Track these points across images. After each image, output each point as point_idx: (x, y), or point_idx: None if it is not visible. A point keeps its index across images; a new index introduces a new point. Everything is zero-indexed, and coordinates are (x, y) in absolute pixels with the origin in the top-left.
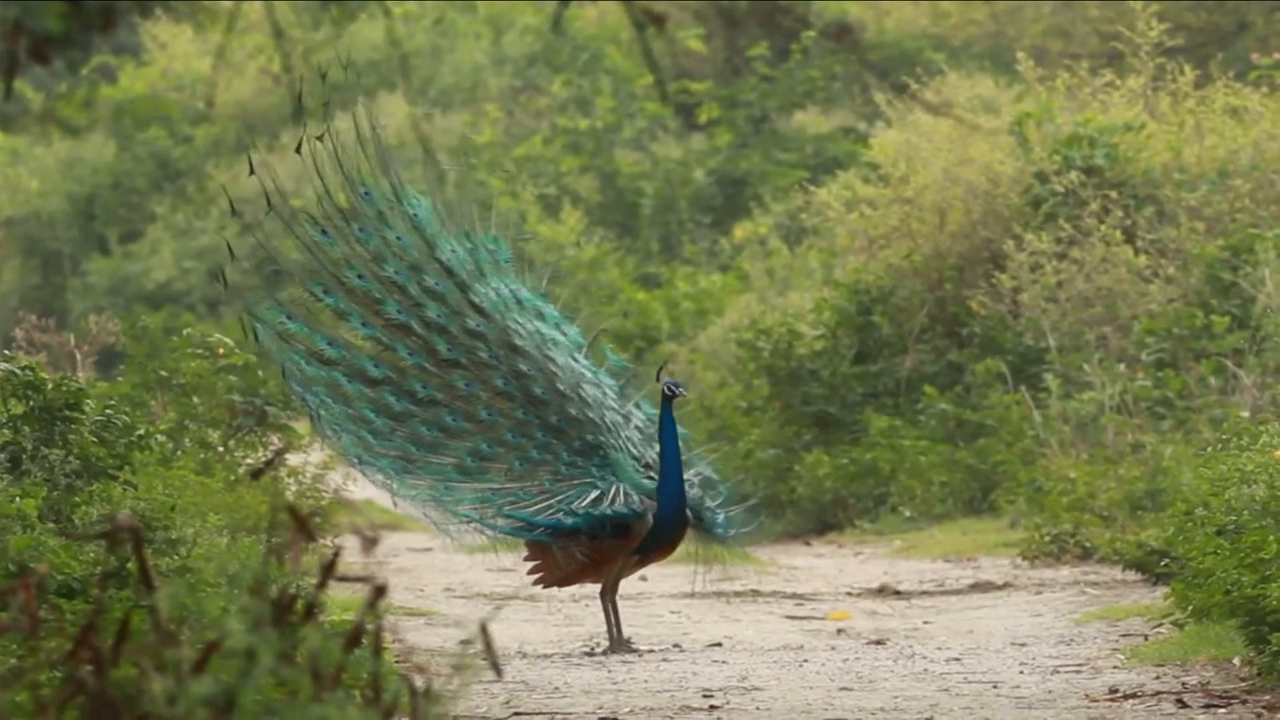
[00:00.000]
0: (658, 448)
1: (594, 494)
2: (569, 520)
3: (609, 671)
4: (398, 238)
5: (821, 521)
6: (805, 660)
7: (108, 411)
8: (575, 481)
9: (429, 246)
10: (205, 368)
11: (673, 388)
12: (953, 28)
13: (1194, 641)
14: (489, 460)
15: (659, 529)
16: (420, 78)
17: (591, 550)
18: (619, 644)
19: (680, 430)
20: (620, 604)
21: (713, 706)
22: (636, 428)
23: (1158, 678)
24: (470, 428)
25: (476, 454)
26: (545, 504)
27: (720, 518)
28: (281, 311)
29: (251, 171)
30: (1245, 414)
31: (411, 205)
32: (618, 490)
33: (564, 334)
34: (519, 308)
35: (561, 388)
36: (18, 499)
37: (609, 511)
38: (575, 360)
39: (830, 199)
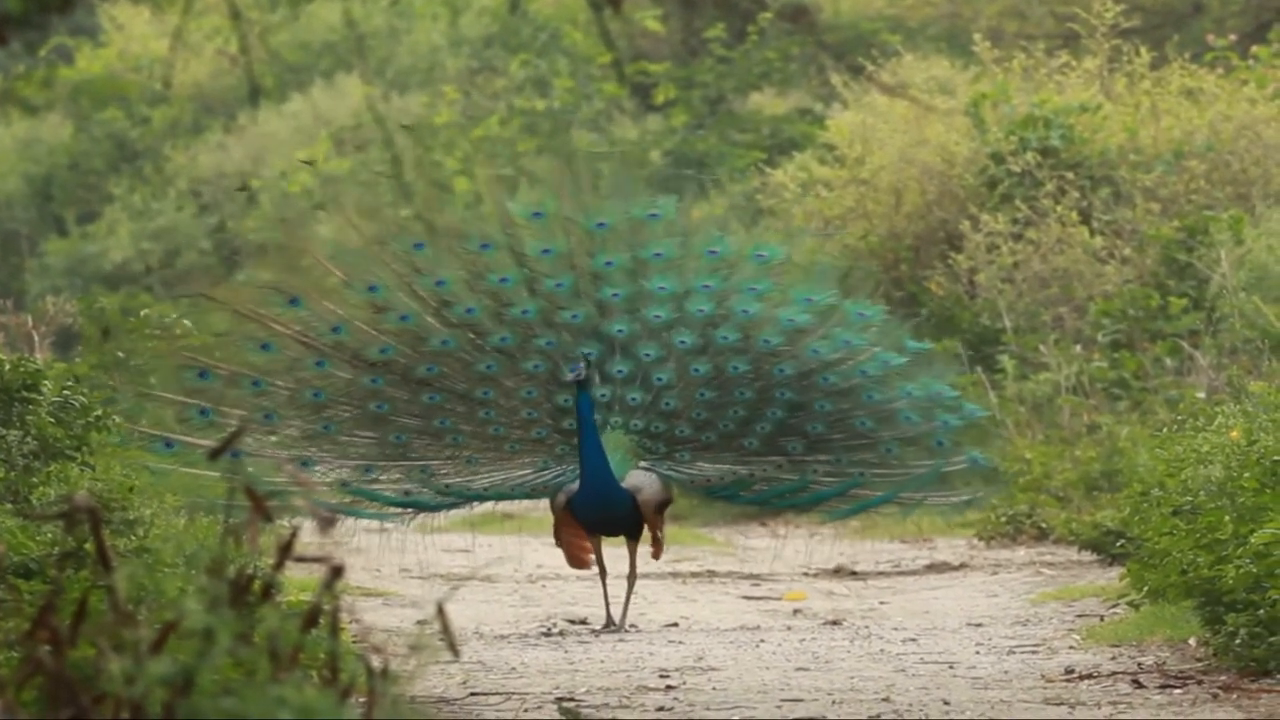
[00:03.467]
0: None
1: (524, 471)
2: (469, 495)
3: (565, 652)
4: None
5: None
6: (762, 641)
7: (65, 392)
8: (526, 459)
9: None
10: (162, 348)
11: (573, 371)
12: (909, 9)
13: (1150, 622)
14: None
15: (584, 509)
16: (377, 59)
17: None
18: (612, 623)
19: None
20: (582, 584)
21: (669, 686)
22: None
23: (1113, 658)
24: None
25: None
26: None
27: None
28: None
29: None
30: (1201, 395)
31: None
32: (555, 470)
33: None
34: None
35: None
36: None
37: (507, 490)
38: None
39: (786, 180)
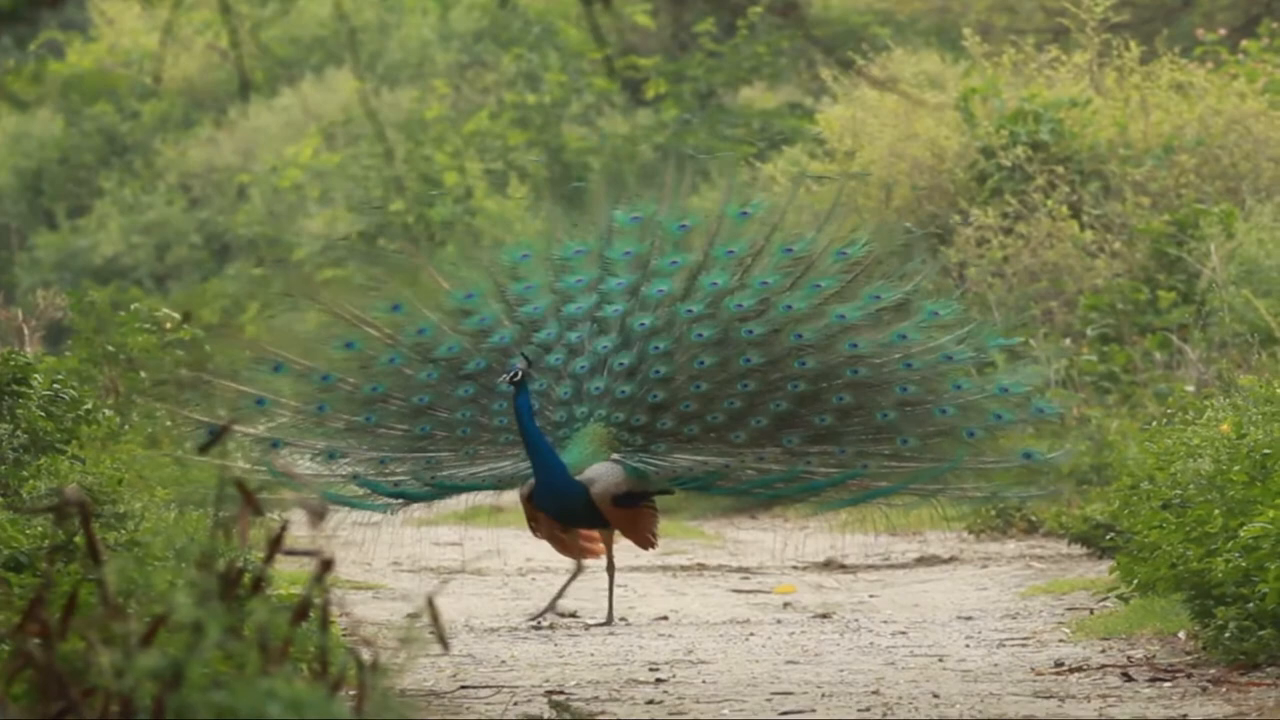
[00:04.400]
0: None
1: (486, 466)
2: (422, 489)
3: (555, 645)
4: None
5: None
6: (751, 634)
7: (55, 386)
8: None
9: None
10: (152, 342)
11: (509, 372)
12: (899, 3)
13: (1139, 615)
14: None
15: (541, 501)
16: (368, 53)
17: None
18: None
19: None
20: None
21: (659, 680)
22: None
23: (1103, 651)
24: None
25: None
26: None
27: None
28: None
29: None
30: (1190, 388)
31: None
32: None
33: None
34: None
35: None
36: None
37: (459, 482)
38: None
39: (776, 174)
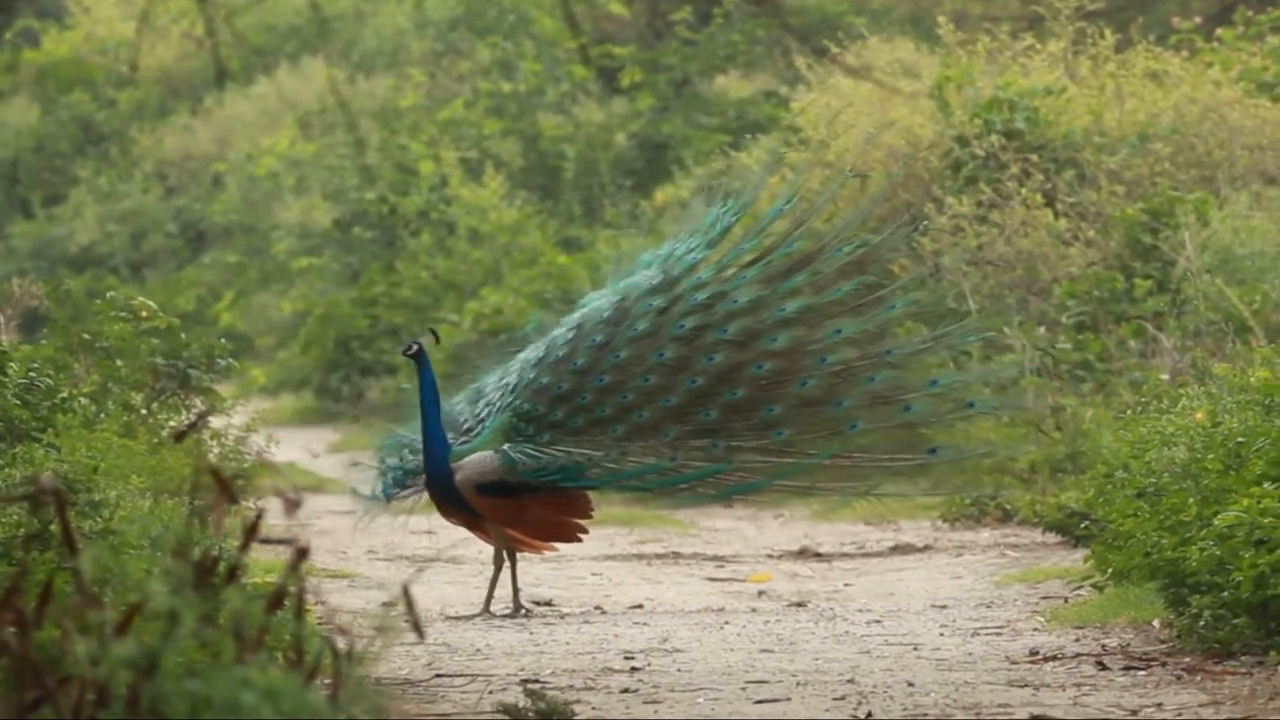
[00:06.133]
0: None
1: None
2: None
3: (531, 633)
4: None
5: None
6: (726, 622)
7: (31, 374)
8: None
9: None
10: (128, 331)
11: (409, 346)
12: None
13: (1114, 604)
14: None
15: (429, 487)
16: (342, 41)
17: None
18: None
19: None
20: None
21: (634, 668)
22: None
23: (1078, 640)
24: None
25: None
26: None
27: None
28: None
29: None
30: (1165, 377)
31: None
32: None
33: None
34: None
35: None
36: None
37: (387, 468)
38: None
39: (751, 162)
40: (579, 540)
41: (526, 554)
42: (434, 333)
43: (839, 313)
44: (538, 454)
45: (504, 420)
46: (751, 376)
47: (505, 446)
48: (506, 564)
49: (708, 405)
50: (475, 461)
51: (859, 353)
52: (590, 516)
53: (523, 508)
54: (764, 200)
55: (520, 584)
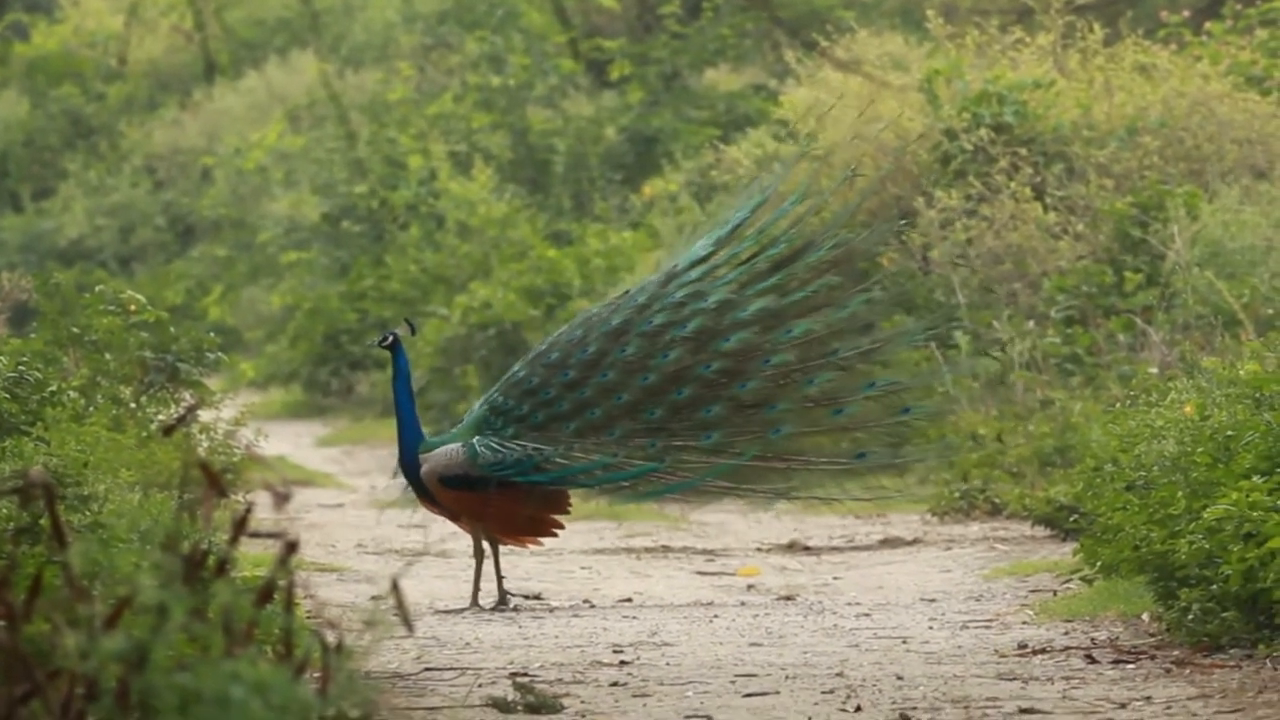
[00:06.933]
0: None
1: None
2: None
3: (520, 627)
4: None
5: None
6: (715, 616)
7: (20, 368)
8: None
9: None
10: (117, 324)
11: (385, 337)
12: None
13: (1103, 597)
14: None
15: (404, 477)
16: (332, 35)
17: None
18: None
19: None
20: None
21: (623, 662)
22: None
23: (1066, 633)
24: None
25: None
26: None
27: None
28: None
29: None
30: (1154, 370)
31: None
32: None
33: None
34: None
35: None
36: None
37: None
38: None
39: (741, 156)
40: (554, 535)
41: (514, 548)
42: (410, 324)
43: (795, 314)
44: (500, 448)
45: (479, 413)
46: (698, 376)
47: (475, 439)
48: (489, 556)
49: (654, 404)
50: (441, 454)
51: (803, 354)
52: (566, 512)
53: (485, 501)
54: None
55: (508, 577)
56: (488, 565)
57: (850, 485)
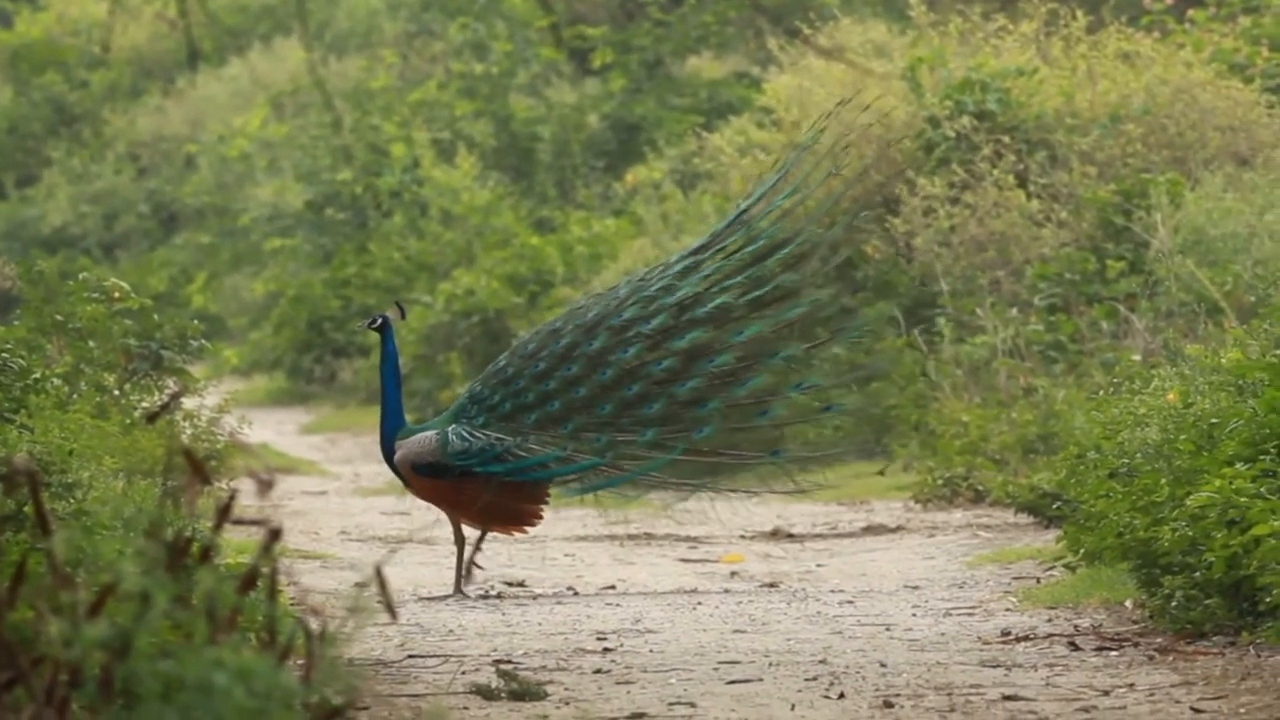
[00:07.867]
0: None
1: None
2: None
3: (503, 614)
4: None
5: None
6: (699, 603)
7: (3, 355)
8: None
9: None
10: (101, 312)
11: (375, 319)
12: None
13: (1086, 584)
14: None
15: (386, 463)
16: (315, 22)
17: None
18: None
19: None
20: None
21: (606, 649)
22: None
23: (1050, 620)
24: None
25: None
26: None
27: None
28: None
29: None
30: (1137, 358)
31: None
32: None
33: None
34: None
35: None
36: None
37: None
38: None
39: (723, 144)
40: (533, 525)
41: (499, 535)
42: (400, 307)
43: (745, 315)
44: (468, 436)
45: (460, 401)
46: (648, 374)
47: (450, 427)
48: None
49: (606, 399)
50: (415, 441)
51: (745, 354)
52: (544, 502)
53: (457, 490)
54: (736, 182)
55: (490, 565)
56: (501, 549)
57: (773, 480)
